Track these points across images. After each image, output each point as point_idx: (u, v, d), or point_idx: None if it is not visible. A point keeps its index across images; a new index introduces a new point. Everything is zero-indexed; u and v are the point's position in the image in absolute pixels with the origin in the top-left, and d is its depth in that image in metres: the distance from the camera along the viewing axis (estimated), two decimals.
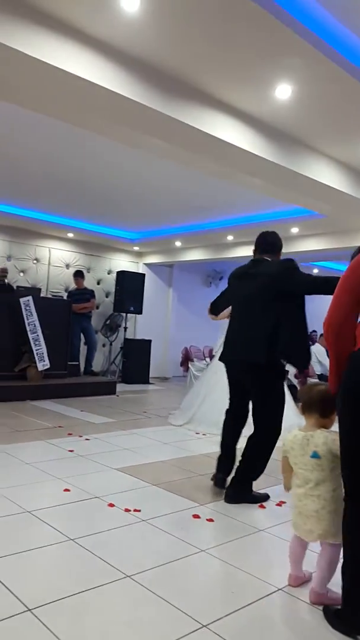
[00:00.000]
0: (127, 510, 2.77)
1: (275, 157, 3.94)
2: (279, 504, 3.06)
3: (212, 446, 4.48)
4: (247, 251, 8.08)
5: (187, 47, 2.91)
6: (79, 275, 8.48)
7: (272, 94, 3.33)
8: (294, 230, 7.10)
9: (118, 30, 2.81)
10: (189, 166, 4.44)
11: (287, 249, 7.66)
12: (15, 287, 7.49)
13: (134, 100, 3.10)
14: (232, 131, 3.63)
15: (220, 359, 3.33)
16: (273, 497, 3.18)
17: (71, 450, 3.96)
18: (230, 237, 7.98)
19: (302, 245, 7.55)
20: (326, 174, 4.47)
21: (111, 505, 2.84)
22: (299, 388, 7.02)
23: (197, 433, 5.03)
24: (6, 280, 7.46)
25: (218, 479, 3.27)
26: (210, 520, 2.73)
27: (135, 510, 2.76)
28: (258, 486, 3.38)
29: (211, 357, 8.71)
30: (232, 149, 3.74)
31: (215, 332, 10.70)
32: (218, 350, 5.55)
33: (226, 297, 3.54)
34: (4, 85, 3.08)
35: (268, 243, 3.24)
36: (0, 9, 2.56)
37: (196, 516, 2.76)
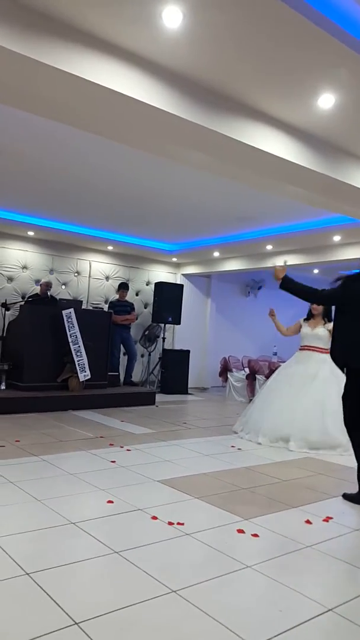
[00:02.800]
0: (170, 523, 2.75)
1: (318, 166, 3.90)
2: (326, 520, 2.98)
3: (254, 458, 4.42)
4: (288, 260, 8.05)
5: (229, 60, 2.92)
6: (123, 287, 8.59)
7: (315, 103, 3.29)
8: (336, 238, 6.98)
9: (161, 46, 2.84)
10: (232, 179, 4.44)
11: (329, 257, 7.61)
12: (58, 300, 7.65)
13: (177, 115, 3.12)
14: (275, 142, 3.61)
15: (342, 365, 3.45)
16: (320, 512, 3.10)
17: (113, 461, 3.98)
18: (269, 247, 7.92)
19: (344, 253, 7.41)
20: None
21: (154, 517, 2.83)
22: None
23: (259, 444, 5.02)
24: (49, 293, 7.63)
25: None
26: (255, 535, 2.68)
27: (178, 524, 2.74)
28: (302, 500, 3.30)
29: (247, 367, 8.63)
30: (275, 160, 3.72)
31: (253, 343, 10.65)
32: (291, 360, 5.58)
33: (340, 300, 3.46)
34: (45, 103, 3.16)
35: None
36: (51, 34, 2.63)
37: (240, 531, 2.72)
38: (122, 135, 3.63)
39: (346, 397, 3.45)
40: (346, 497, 3.41)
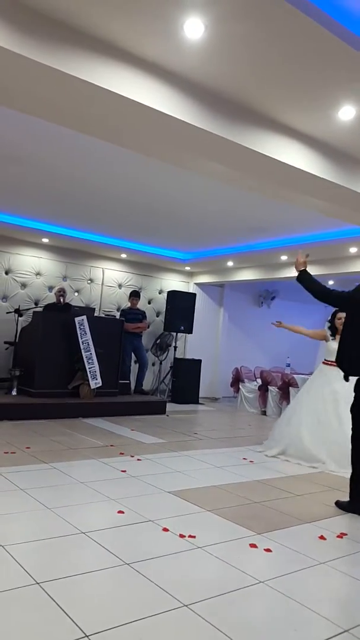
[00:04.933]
0: (182, 535, 2.71)
1: (337, 178, 3.87)
2: (340, 536, 2.92)
3: (267, 472, 4.37)
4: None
5: (249, 71, 2.92)
6: (134, 295, 8.60)
7: (335, 115, 3.28)
8: (352, 250, 6.93)
9: (182, 57, 2.85)
10: (250, 189, 4.43)
11: (345, 269, 7.56)
12: (72, 306, 7.68)
13: (197, 126, 3.12)
14: (295, 154, 3.60)
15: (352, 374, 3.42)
16: (334, 528, 3.04)
17: (124, 471, 3.95)
18: (284, 257, 7.88)
19: None
20: None
21: (165, 529, 2.79)
22: None
23: (286, 460, 4.89)
24: (62, 300, 7.66)
25: None
26: (268, 550, 2.63)
27: (190, 536, 2.70)
28: (316, 515, 3.24)
29: (260, 378, 8.56)
30: (295, 172, 3.71)
31: (266, 354, 10.58)
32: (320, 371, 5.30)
33: (348, 304, 3.58)
34: (68, 113, 3.18)
35: None
36: (75, 45, 2.66)
37: (253, 545, 2.67)
38: (142, 145, 3.64)
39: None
40: (338, 505, 3.48)
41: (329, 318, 5.34)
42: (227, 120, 3.24)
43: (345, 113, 3.23)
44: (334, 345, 5.13)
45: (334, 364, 5.08)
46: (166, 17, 2.50)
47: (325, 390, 5.06)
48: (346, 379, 3.47)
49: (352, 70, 2.78)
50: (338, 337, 5.14)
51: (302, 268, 3.77)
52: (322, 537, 2.89)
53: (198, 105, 3.12)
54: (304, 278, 3.72)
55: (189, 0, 2.37)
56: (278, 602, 2.12)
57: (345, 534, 2.96)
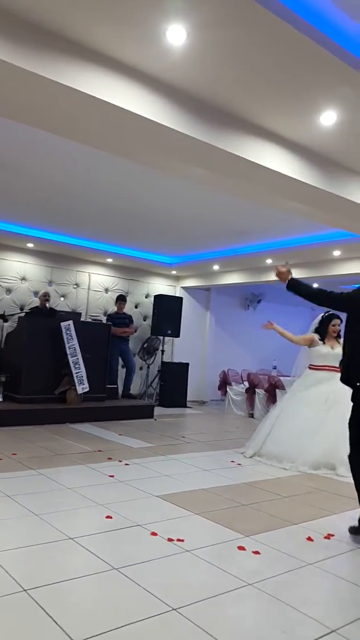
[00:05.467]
0: (170, 539, 2.71)
1: (319, 182, 3.92)
2: (327, 537, 2.95)
3: (254, 474, 4.38)
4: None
5: (231, 77, 2.95)
6: (121, 299, 8.58)
7: (317, 120, 3.32)
8: (336, 253, 7.01)
9: (165, 64, 2.87)
10: (234, 194, 4.46)
11: (328, 272, 7.64)
12: (57, 311, 7.64)
13: (180, 131, 3.14)
14: (277, 158, 3.64)
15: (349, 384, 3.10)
16: (321, 529, 3.06)
17: (111, 476, 3.94)
18: (269, 261, 7.94)
19: (344, 268, 7.44)
20: None
21: (154, 534, 2.79)
22: None
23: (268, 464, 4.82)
24: (47, 305, 7.62)
25: None
26: (257, 552, 2.64)
27: (178, 540, 2.70)
28: (303, 517, 3.26)
29: (247, 381, 8.60)
30: (277, 176, 3.75)
31: (252, 357, 10.63)
32: (304, 377, 5.25)
33: (345, 306, 3.26)
34: (51, 119, 3.18)
35: None
36: (55, 49, 2.66)
37: (241, 548, 2.68)
38: (125, 150, 3.66)
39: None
40: (352, 531, 3.05)
41: (318, 323, 5.31)
42: (210, 125, 3.27)
43: (327, 118, 3.28)
44: (323, 350, 5.15)
45: (324, 367, 5.12)
46: (149, 24, 2.52)
47: (312, 392, 5.07)
48: (352, 385, 3.11)
49: (332, 77, 2.82)
50: (329, 342, 5.18)
51: (288, 277, 3.46)
52: (309, 539, 2.91)
53: (181, 111, 3.14)
54: (294, 285, 3.40)
55: (171, 7, 2.40)
56: (266, 604, 2.13)
57: (332, 535, 2.98)
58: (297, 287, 3.39)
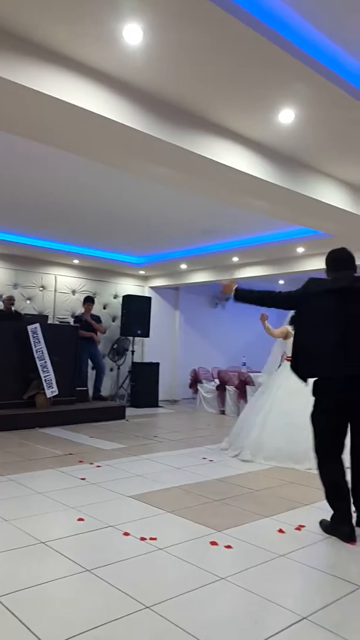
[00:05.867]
0: (142, 538, 2.71)
1: (280, 180, 3.98)
2: (298, 528, 3.00)
3: (226, 469, 4.42)
4: (253, 272, 8.20)
5: (189, 76, 2.97)
6: (89, 300, 8.49)
7: (275, 118, 3.38)
8: (300, 250, 7.12)
9: (123, 63, 2.87)
10: (196, 193, 4.48)
11: (294, 269, 7.76)
12: (22, 315, 7.52)
13: (140, 131, 3.15)
14: (237, 157, 3.68)
15: (314, 375, 2.97)
16: (292, 521, 3.11)
17: (83, 478, 3.91)
18: (235, 259, 8.02)
19: (308, 264, 7.57)
20: (331, 195, 4.50)
21: (126, 534, 2.78)
22: None
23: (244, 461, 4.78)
24: (13, 308, 7.49)
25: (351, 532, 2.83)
26: (229, 547, 2.67)
27: (151, 539, 2.71)
28: (274, 509, 3.31)
29: (217, 378, 8.67)
30: (237, 174, 3.79)
31: (222, 354, 10.71)
32: (279, 373, 5.28)
33: (298, 301, 3.12)
34: (10, 119, 3.14)
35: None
36: (10, 48, 2.63)
37: (214, 543, 2.70)
38: (86, 150, 3.64)
39: (325, 418, 2.94)
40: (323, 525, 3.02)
41: (293, 313, 5.36)
42: (170, 124, 3.28)
43: (285, 116, 3.33)
44: None
45: None
46: (105, 23, 2.52)
47: (290, 383, 5.07)
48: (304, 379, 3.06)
49: (288, 75, 2.87)
50: None
51: (233, 287, 3.38)
52: (281, 531, 2.95)
53: (141, 110, 3.15)
54: (242, 297, 3.32)
55: (126, 7, 2.40)
56: (239, 596, 2.15)
57: (304, 526, 3.03)
58: (244, 297, 3.34)
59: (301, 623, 1.94)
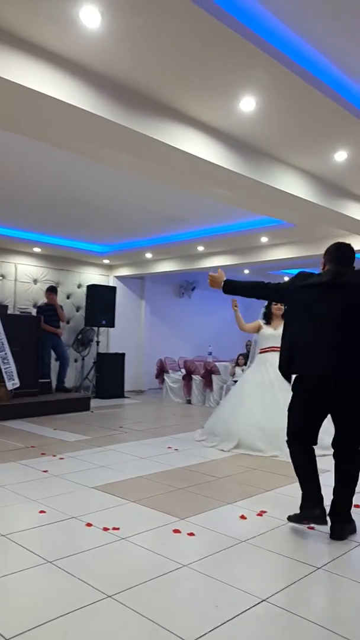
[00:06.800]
0: (105, 529, 2.70)
1: (241, 169, 3.98)
2: (260, 514, 3.04)
3: (190, 458, 4.45)
4: (218, 261, 8.22)
5: (149, 61, 2.92)
6: (52, 290, 8.34)
7: (237, 106, 3.37)
8: (264, 239, 7.18)
9: (82, 47, 2.79)
10: (158, 180, 4.44)
11: (258, 258, 7.83)
12: None
13: (100, 115, 3.09)
14: (198, 144, 3.65)
15: (297, 372, 2.89)
16: (254, 507, 3.16)
17: (45, 471, 3.86)
18: (200, 248, 8.02)
19: (271, 254, 7.65)
20: (292, 184, 4.53)
21: (89, 525, 2.77)
22: None
23: (223, 450, 4.76)
24: None
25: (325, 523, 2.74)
26: (191, 534, 2.69)
27: (114, 529, 2.70)
28: (237, 496, 3.36)
29: (184, 368, 8.70)
30: (198, 162, 3.76)
31: (188, 344, 10.74)
32: (256, 364, 5.25)
33: (287, 294, 3.05)
34: None
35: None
36: None
37: (177, 531, 2.72)
38: (45, 134, 3.56)
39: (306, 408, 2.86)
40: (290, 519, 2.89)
41: (264, 307, 5.39)
42: (129, 109, 3.23)
43: (246, 104, 3.33)
44: (268, 331, 5.24)
45: (269, 349, 5.15)
46: (61, 4, 2.44)
47: (265, 375, 5.08)
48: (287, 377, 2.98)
49: (247, 62, 2.85)
50: (273, 323, 5.25)
51: (221, 280, 3.28)
52: (242, 517, 3.00)
53: (100, 95, 3.08)
54: (230, 288, 3.24)
55: None
56: (201, 583, 2.17)
57: (265, 512, 3.08)
58: (233, 288, 3.26)
59: (261, 605, 1.97)
